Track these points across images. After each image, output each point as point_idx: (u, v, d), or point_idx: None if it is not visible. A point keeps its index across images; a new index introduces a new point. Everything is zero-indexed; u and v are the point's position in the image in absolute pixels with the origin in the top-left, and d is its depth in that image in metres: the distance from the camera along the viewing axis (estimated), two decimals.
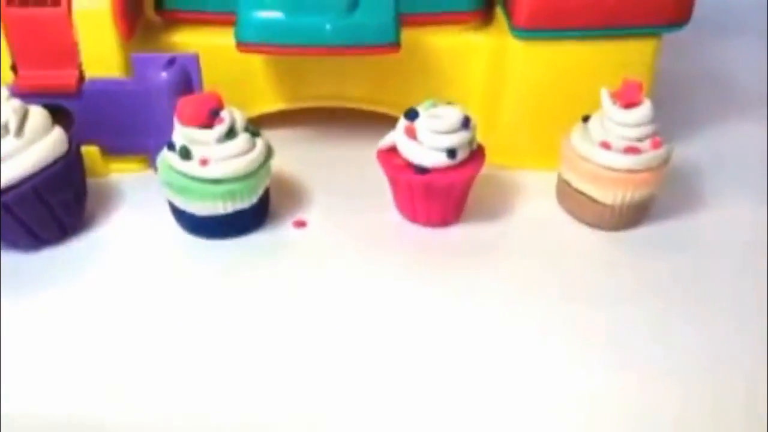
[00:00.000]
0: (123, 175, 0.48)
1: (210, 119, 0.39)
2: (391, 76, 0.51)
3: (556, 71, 0.46)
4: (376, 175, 0.44)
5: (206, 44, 0.49)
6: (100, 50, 0.44)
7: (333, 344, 0.37)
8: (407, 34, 0.46)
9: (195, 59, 0.45)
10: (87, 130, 0.46)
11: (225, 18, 0.48)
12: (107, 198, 0.46)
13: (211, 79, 0.47)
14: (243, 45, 0.44)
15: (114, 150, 0.47)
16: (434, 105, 0.42)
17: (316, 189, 0.47)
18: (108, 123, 0.46)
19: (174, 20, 0.49)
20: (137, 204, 0.45)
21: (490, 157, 0.49)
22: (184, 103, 0.39)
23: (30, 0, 0.42)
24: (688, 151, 0.50)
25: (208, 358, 0.36)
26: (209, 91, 0.40)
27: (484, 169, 0.43)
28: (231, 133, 0.39)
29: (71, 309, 0.38)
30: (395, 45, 0.45)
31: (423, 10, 0.49)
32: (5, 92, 0.39)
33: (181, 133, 0.39)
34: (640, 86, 0.41)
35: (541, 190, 0.47)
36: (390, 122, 0.50)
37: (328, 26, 0.44)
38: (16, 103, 0.38)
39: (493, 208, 0.45)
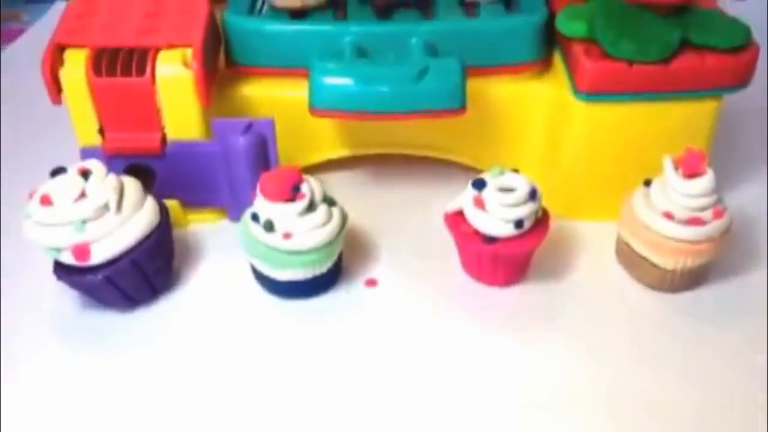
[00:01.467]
0: (201, 226, 0.51)
1: (292, 194, 0.41)
2: (452, 124, 0.52)
3: (616, 130, 0.47)
4: (438, 224, 0.45)
5: (274, 95, 0.52)
6: (181, 113, 0.47)
7: (405, 403, 0.40)
8: (468, 84, 0.47)
9: (270, 124, 0.47)
10: (168, 186, 0.49)
11: (292, 71, 0.51)
12: (189, 251, 0.49)
13: (279, 125, 0.50)
14: (315, 110, 0.46)
15: (192, 203, 0.50)
16: (501, 172, 0.44)
17: (382, 240, 0.49)
18: (187, 180, 0.49)
19: (244, 73, 0.52)
20: (217, 257, 0.48)
21: (548, 205, 0.51)
22: (267, 179, 0.42)
23: (117, 69, 0.45)
24: (740, 199, 0.51)
25: (288, 413, 0.39)
26: (290, 167, 0.42)
27: None
28: (311, 206, 0.42)
29: (162, 367, 0.42)
30: (462, 109, 0.46)
31: (484, 62, 0.51)
32: (103, 169, 0.41)
33: (264, 207, 0.41)
34: (702, 156, 0.43)
35: (600, 243, 0.48)
36: (443, 165, 0.52)
37: (398, 93, 0.45)
38: (114, 180, 0.41)
39: (554, 264, 0.47)
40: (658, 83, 0.45)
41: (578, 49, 0.47)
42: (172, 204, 0.49)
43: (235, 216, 0.50)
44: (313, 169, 0.55)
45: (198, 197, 0.50)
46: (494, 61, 0.51)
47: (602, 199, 0.50)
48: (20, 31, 0.82)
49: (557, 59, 0.52)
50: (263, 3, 0.53)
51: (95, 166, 0.41)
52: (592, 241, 0.49)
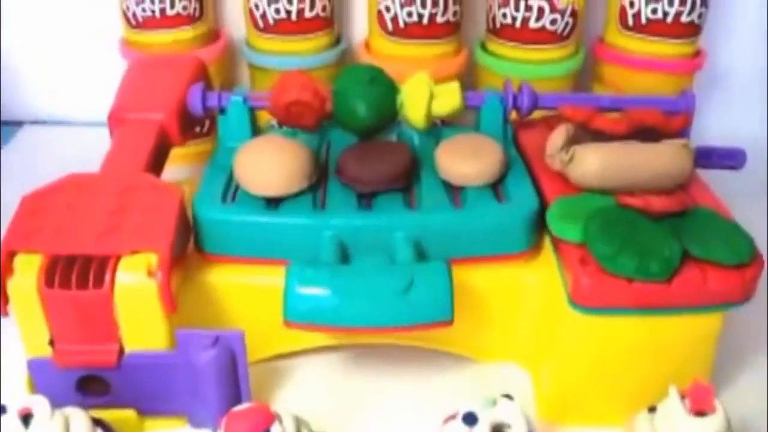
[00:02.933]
0: None
1: None
2: None
3: (613, 341, 0.44)
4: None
5: (244, 283, 0.48)
6: (142, 324, 0.42)
7: None
8: (455, 272, 0.44)
9: (239, 337, 0.43)
10: (123, 396, 0.44)
11: (263, 260, 0.47)
12: None
13: (251, 313, 0.47)
14: (290, 324, 0.42)
15: (150, 412, 0.45)
16: (493, 403, 0.40)
17: None
18: (146, 390, 0.44)
19: (212, 260, 0.48)
20: None
21: (539, 408, 0.47)
22: (233, 421, 0.37)
23: (72, 280, 0.41)
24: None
25: None
26: (259, 405, 0.38)
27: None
28: None
29: None
30: (450, 322, 0.43)
31: (470, 253, 0.48)
32: (46, 409, 0.36)
33: None
34: (710, 392, 0.39)
35: None
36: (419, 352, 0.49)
37: (382, 309, 0.42)
38: (59, 426, 0.36)
39: None
40: (658, 301, 0.42)
41: (573, 255, 0.44)
42: (126, 415, 0.44)
43: (197, 423, 0.46)
44: (289, 354, 0.51)
45: (156, 406, 0.45)
46: (481, 252, 0.48)
47: (597, 406, 0.46)
48: None
49: (547, 244, 0.49)
50: (237, 187, 0.50)
51: (38, 405, 0.36)
52: None
